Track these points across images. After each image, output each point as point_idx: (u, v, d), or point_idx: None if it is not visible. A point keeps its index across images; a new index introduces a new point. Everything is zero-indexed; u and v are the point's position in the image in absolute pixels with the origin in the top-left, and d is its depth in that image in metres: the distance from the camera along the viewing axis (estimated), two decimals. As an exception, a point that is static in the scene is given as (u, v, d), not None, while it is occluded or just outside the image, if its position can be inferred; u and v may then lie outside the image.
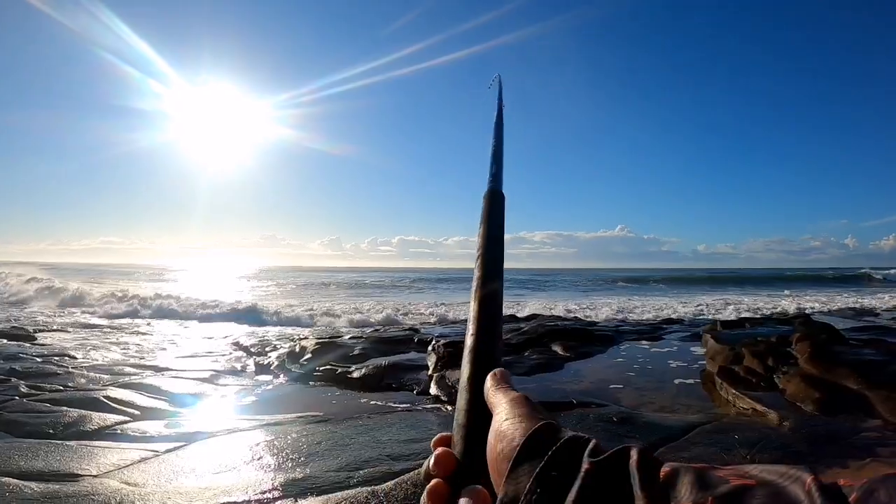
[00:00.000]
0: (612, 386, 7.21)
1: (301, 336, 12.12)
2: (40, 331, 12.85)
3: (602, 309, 19.28)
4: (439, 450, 0.67)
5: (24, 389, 6.96)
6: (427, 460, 0.67)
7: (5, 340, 11.03)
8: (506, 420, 0.61)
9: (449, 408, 6.67)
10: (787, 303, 21.79)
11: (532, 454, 0.54)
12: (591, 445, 0.52)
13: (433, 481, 0.64)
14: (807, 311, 16.25)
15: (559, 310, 18.80)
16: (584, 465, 0.50)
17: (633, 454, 0.49)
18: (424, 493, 0.63)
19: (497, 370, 0.72)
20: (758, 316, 13.80)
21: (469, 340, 0.80)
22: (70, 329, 13.75)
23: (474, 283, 0.89)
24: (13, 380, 7.39)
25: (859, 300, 22.74)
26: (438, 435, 0.71)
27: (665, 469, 0.46)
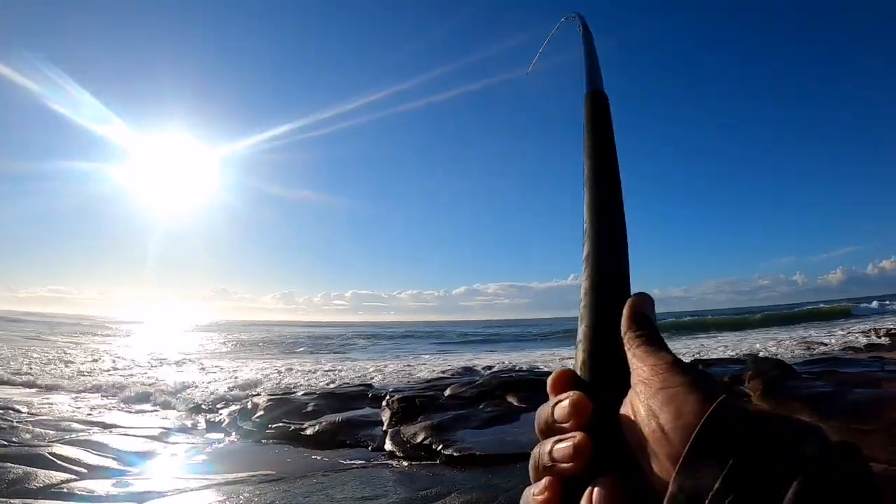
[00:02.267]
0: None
1: (253, 392, 11.87)
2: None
3: (557, 357, 19.37)
4: (573, 394, 0.54)
5: (-35, 443, 6.66)
6: (548, 407, 0.56)
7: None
8: (659, 391, 0.48)
9: (405, 464, 6.58)
10: (740, 342, 22.22)
11: (716, 441, 0.43)
12: (814, 441, 0.42)
13: (577, 436, 0.52)
14: (758, 350, 16.61)
15: (516, 359, 18.83)
16: (801, 476, 0.39)
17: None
18: (564, 447, 0.51)
19: (636, 298, 0.60)
20: (710, 357, 14.05)
21: (587, 249, 0.68)
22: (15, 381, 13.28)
23: (586, 191, 0.74)
24: (-45, 433, 7.08)
25: (810, 334, 23.32)
26: (557, 372, 0.59)
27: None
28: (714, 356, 15.04)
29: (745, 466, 0.40)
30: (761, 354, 14.03)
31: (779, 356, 11.44)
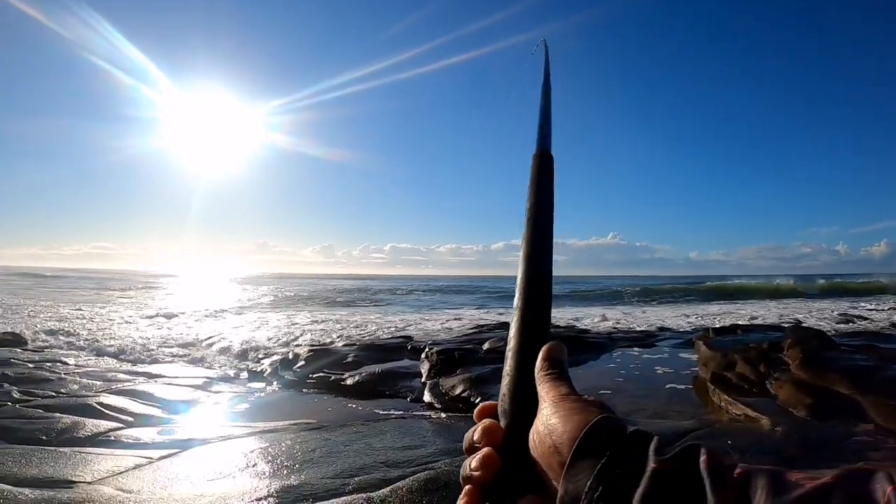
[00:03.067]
0: (604, 392, 7.23)
1: (294, 343, 12.11)
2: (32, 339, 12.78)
3: (594, 316, 19.33)
4: (486, 421, 0.67)
5: (16, 395, 6.93)
6: (470, 431, 0.68)
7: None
8: (555, 413, 0.60)
9: (443, 415, 6.69)
10: (780, 309, 21.87)
11: (592, 450, 0.53)
12: (654, 443, 0.52)
13: (484, 450, 0.64)
14: (798, 318, 16.36)
15: (553, 317, 18.81)
16: (651, 464, 0.49)
17: (703, 454, 0.49)
18: (475, 460, 0.62)
19: (551, 346, 0.71)
20: (749, 323, 13.85)
21: (517, 303, 0.79)
22: (62, 334, 13.69)
23: (522, 250, 0.87)
24: (5, 385, 7.36)
25: (851, 306, 22.84)
26: (482, 405, 0.71)
27: (738, 471, 0.46)
28: (755, 322, 14.86)
29: (613, 463, 0.50)
30: (802, 322, 13.79)
31: (819, 326, 11.21)
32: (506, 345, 0.76)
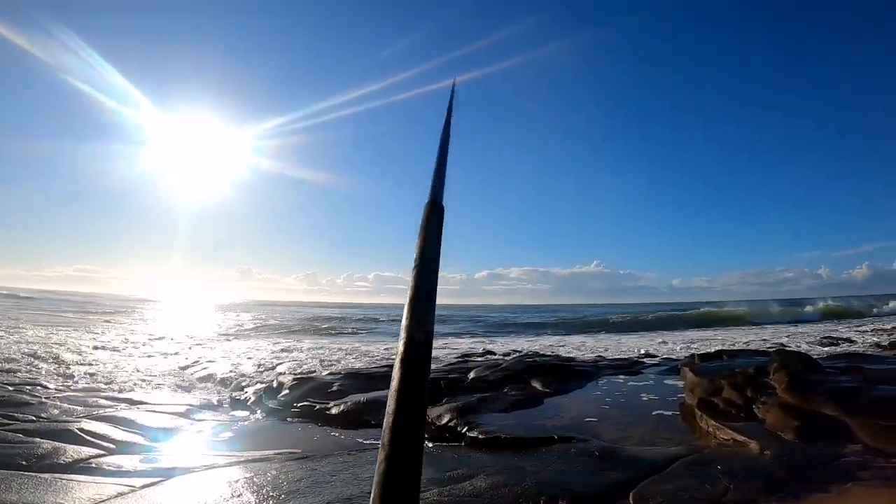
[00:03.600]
0: (592, 420, 7.19)
1: (278, 371, 11.99)
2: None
3: (579, 345, 19.35)
4: None
5: (-6, 418, 6.77)
6: None
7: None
8: None
9: (430, 445, 6.61)
10: (765, 334, 22.04)
11: None
12: None
13: None
14: (783, 342, 16.46)
15: (538, 346, 18.84)
16: None
17: None
18: None
19: None
20: (735, 348, 13.90)
21: (401, 346, 0.79)
22: (42, 358, 13.46)
23: (407, 299, 0.88)
24: (-17, 408, 7.20)
25: (835, 329, 23.08)
26: None
27: None
28: (740, 347, 14.92)
29: None
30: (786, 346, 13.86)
31: (803, 350, 11.28)
32: (390, 381, 0.76)
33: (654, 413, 7.48)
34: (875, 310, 40.03)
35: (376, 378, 10.47)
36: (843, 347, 15.36)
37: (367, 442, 6.82)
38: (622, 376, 10.34)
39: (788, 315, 38.95)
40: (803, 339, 18.49)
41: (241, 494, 4.63)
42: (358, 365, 13.13)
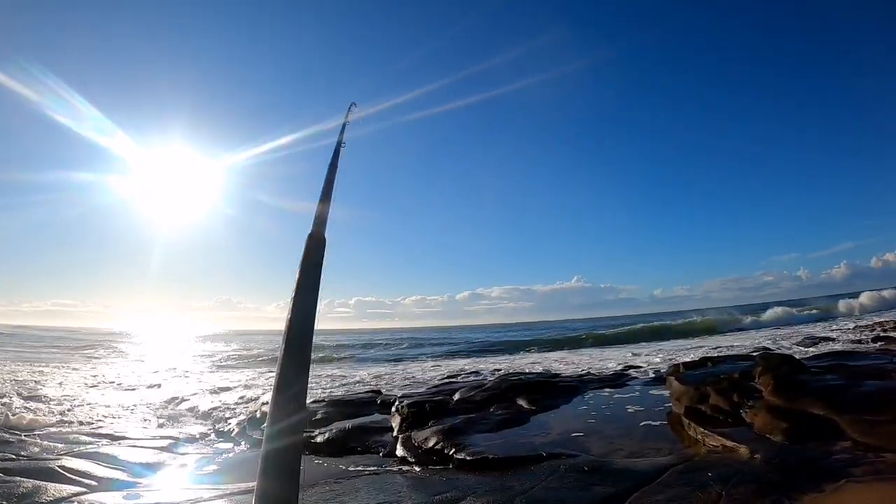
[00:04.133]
0: (580, 435, 7.11)
1: (262, 401, 11.81)
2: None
3: (563, 361, 19.29)
4: None
5: (-26, 457, 6.56)
6: None
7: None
8: None
9: (417, 469, 6.50)
10: (747, 338, 22.16)
11: None
12: None
13: None
14: (767, 346, 16.51)
15: (523, 364, 18.76)
16: None
17: None
18: None
19: None
20: (718, 355, 13.88)
21: (277, 379, 0.86)
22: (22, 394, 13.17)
23: (285, 328, 0.95)
24: (-37, 448, 6.98)
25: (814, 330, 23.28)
26: None
27: None
28: (724, 353, 14.93)
29: None
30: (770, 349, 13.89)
31: (787, 351, 11.29)
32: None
33: (641, 424, 7.41)
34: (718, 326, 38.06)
35: (360, 404, 10.37)
36: (825, 347, 15.45)
37: (355, 469, 6.72)
38: (608, 390, 10.27)
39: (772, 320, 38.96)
40: (786, 341, 18.61)
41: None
42: (341, 392, 12.98)
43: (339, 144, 1.32)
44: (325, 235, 1.06)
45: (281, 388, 0.76)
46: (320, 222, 1.04)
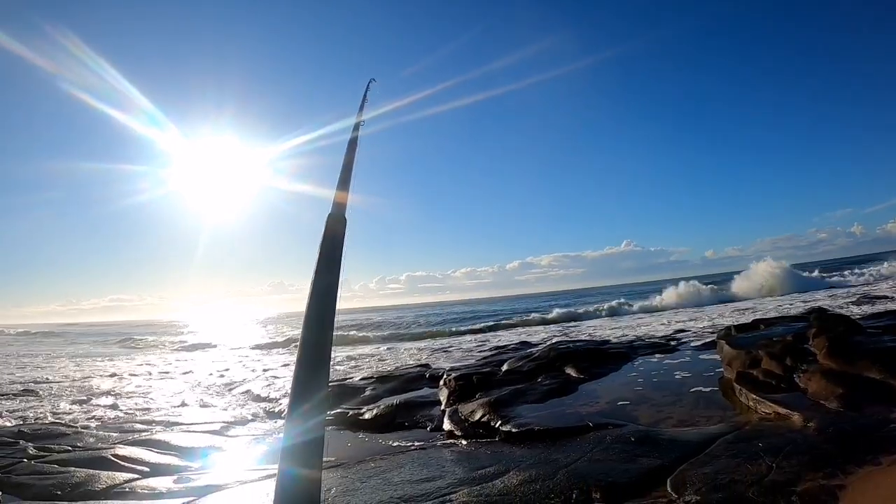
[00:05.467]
0: (628, 404, 7.00)
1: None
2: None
3: (613, 327, 19.11)
4: None
5: (32, 451, 6.84)
6: None
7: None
8: None
9: (464, 443, 6.50)
10: (799, 299, 21.58)
11: None
12: None
13: None
14: (822, 305, 15.99)
15: (572, 331, 18.65)
16: None
17: None
18: None
19: None
20: (771, 317, 13.50)
21: (296, 373, 0.82)
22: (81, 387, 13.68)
23: (304, 314, 0.91)
24: (21, 442, 7.29)
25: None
26: None
27: None
28: (773, 316, 14.51)
29: None
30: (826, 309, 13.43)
31: (841, 311, 10.88)
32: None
33: (691, 391, 7.26)
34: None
35: (409, 379, 10.43)
36: (881, 306, 14.89)
37: (401, 444, 6.76)
38: (658, 355, 10.11)
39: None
40: (840, 301, 18.01)
41: (267, 509, 4.57)
42: (389, 367, 13.09)
43: (357, 123, 1.26)
44: (346, 216, 1.03)
45: (303, 368, 0.77)
46: (340, 202, 1.01)
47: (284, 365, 16.95)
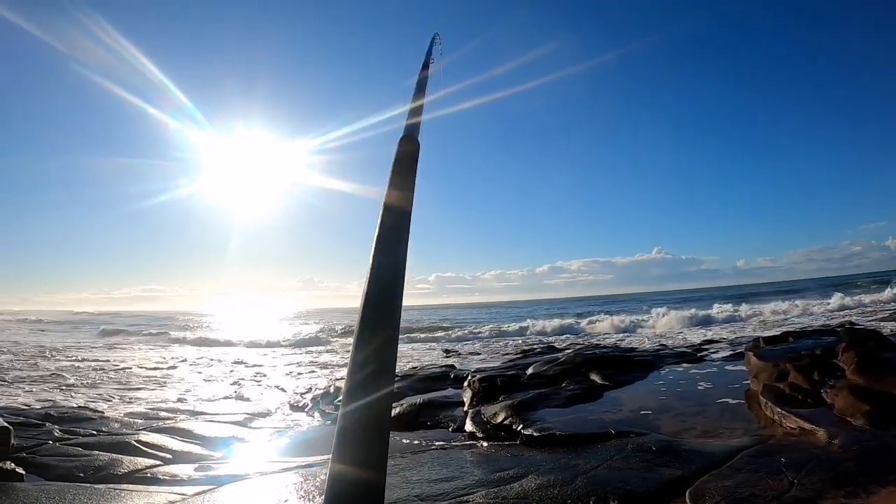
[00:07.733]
0: (651, 413, 6.98)
1: (336, 376, 12.12)
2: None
3: (640, 334, 18.96)
4: None
5: (57, 434, 7.03)
6: None
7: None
8: None
9: (485, 444, 6.54)
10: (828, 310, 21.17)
11: None
12: None
13: None
14: (852, 321, 15.70)
15: (599, 337, 18.54)
16: None
17: None
18: None
19: None
20: (800, 329, 13.30)
21: (361, 308, 0.75)
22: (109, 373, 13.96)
23: (370, 263, 0.85)
24: (48, 424, 7.49)
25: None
26: None
27: None
28: (803, 328, 14.29)
29: None
30: (856, 324, 13.20)
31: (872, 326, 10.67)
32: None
33: (717, 402, 7.20)
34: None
35: (434, 379, 10.49)
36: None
37: (421, 443, 6.81)
38: (685, 364, 10.02)
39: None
40: (871, 317, 17.63)
41: (287, 500, 4.67)
42: (414, 366, 13.17)
43: (427, 56, 1.29)
44: (419, 140, 0.96)
45: (361, 350, 0.66)
46: (413, 125, 0.96)
47: (310, 360, 17.12)
